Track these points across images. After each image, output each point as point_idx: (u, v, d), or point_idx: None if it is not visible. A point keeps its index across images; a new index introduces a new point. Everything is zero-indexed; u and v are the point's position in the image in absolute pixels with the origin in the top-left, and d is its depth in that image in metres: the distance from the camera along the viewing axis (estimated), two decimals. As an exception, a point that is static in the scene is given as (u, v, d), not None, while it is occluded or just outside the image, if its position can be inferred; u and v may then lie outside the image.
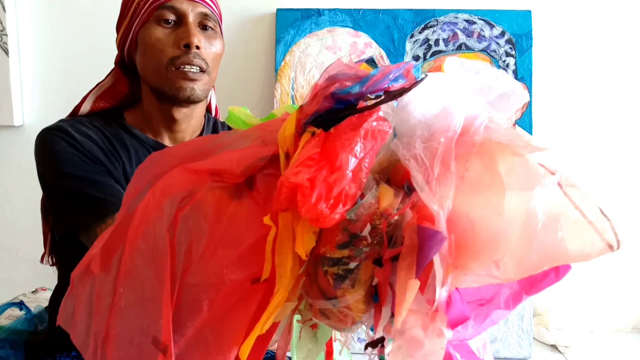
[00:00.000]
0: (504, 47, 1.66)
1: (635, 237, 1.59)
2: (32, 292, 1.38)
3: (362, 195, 0.43)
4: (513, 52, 1.66)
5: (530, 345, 1.60)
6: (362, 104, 0.44)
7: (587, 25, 1.70)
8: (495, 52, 1.66)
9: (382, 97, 0.43)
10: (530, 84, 1.66)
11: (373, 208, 0.43)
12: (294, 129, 0.45)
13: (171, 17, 0.93)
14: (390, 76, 0.44)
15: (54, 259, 1.04)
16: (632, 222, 1.65)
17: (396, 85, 0.44)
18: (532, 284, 0.47)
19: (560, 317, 1.66)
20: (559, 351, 1.64)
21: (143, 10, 0.93)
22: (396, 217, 0.43)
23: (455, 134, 0.43)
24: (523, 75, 1.66)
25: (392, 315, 0.44)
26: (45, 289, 1.39)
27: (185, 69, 0.92)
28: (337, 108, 0.44)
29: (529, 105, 1.66)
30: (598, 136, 1.71)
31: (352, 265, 0.44)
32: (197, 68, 0.93)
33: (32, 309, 1.15)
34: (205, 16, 0.95)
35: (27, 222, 1.76)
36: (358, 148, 0.41)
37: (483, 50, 1.67)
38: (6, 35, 1.69)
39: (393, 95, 0.43)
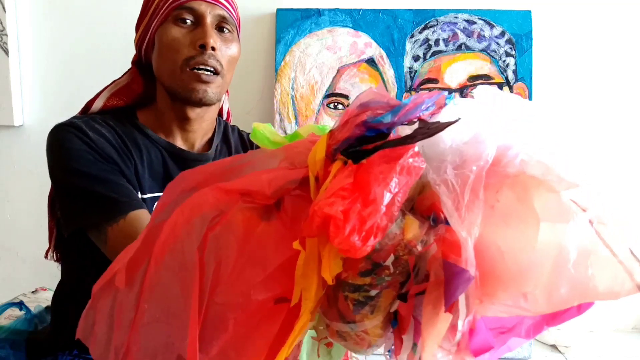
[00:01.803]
0: (504, 47, 1.66)
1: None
2: (32, 292, 1.38)
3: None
4: (513, 52, 1.66)
5: (530, 345, 1.61)
6: (393, 134, 0.44)
7: (587, 25, 1.70)
8: (495, 52, 1.66)
9: (418, 132, 0.43)
10: (530, 84, 1.66)
11: (398, 239, 0.43)
12: (324, 153, 0.45)
13: (189, 17, 0.93)
14: (423, 107, 0.44)
15: (58, 255, 1.05)
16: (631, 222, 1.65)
17: (426, 114, 0.44)
18: (555, 316, 0.48)
19: (560, 317, 1.66)
20: (559, 351, 1.64)
21: (162, 10, 0.93)
22: (419, 249, 0.44)
23: (487, 163, 0.43)
24: (523, 75, 1.66)
25: (414, 344, 0.44)
26: (45, 289, 1.39)
27: (200, 70, 0.92)
28: (368, 136, 0.44)
29: (529, 105, 1.66)
30: (598, 136, 1.71)
31: (373, 293, 0.44)
32: (212, 69, 0.93)
33: (32, 309, 1.15)
34: (223, 19, 0.95)
35: (27, 222, 1.76)
36: (393, 184, 0.41)
37: (483, 50, 1.67)
38: (6, 35, 1.69)
39: (429, 132, 0.43)
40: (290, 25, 1.68)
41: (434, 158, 0.45)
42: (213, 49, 0.92)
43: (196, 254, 0.47)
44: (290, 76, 1.68)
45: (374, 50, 1.68)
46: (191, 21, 0.93)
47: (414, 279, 0.44)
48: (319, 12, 1.68)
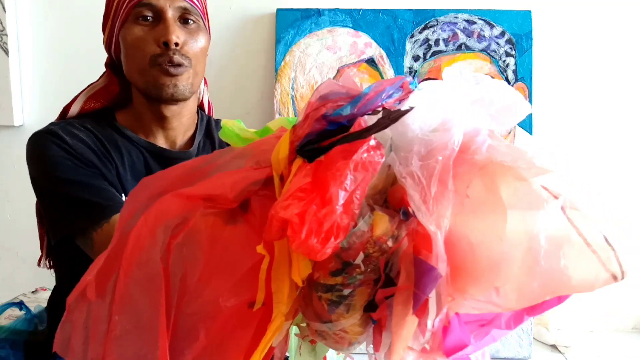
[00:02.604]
0: (504, 47, 1.66)
1: (635, 237, 1.59)
2: (32, 292, 1.38)
3: (356, 222, 0.42)
4: (513, 52, 1.66)
5: (530, 345, 1.60)
6: (358, 122, 0.42)
7: (587, 25, 1.70)
8: (495, 52, 1.66)
9: (374, 124, 0.42)
10: (530, 84, 1.66)
11: (366, 236, 0.42)
12: (287, 151, 0.44)
13: (149, 14, 0.91)
14: (384, 95, 0.43)
15: (51, 262, 1.04)
16: (631, 222, 1.65)
17: (390, 102, 0.43)
18: (534, 305, 0.46)
19: (560, 317, 1.66)
20: (559, 351, 1.63)
21: (122, 10, 0.92)
22: (390, 245, 0.42)
23: (454, 152, 0.42)
24: (523, 75, 1.66)
25: None
26: (45, 289, 1.39)
27: (167, 66, 0.90)
28: (329, 130, 0.42)
29: (529, 105, 1.66)
30: (598, 136, 1.71)
31: (346, 292, 0.43)
32: (178, 65, 0.90)
33: (32, 309, 1.15)
34: (185, 10, 0.92)
35: (27, 222, 1.75)
36: (348, 181, 0.40)
37: (483, 50, 1.67)
38: (6, 35, 1.69)
39: (384, 123, 0.42)
40: (290, 25, 1.68)
41: (403, 148, 0.44)
42: (177, 44, 0.90)
43: (160, 264, 0.47)
44: (290, 76, 1.68)
45: (374, 50, 1.68)
46: (152, 17, 0.91)
47: (386, 276, 0.42)
48: (319, 12, 1.68)
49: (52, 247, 0.98)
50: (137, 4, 0.90)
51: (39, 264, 1.05)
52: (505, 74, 1.66)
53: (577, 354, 1.61)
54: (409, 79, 0.45)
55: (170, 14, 0.91)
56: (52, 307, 1.04)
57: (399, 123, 0.44)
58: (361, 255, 0.42)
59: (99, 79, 1.03)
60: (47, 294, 1.29)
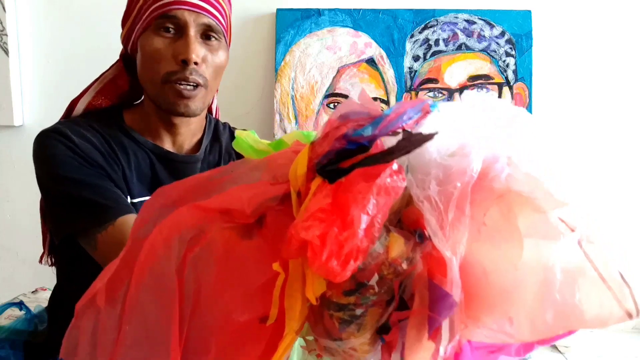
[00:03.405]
0: (504, 47, 1.66)
1: (635, 237, 1.59)
2: (32, 292, 1.38)
3: None
4: (513, 52, 1.66)
5: (530, 345, 1.60)
6: (377, 143, 0.42)
7: (587, 25, 1.70)
8: (495, 52, 1.66)
9: (396, 147, 0.42)
10: (530, 84, 1.66)
11: (382, 258, 0.42)
12: (305, 167, 0.44)
13: (171, 26, 0.89)
14: (405, 117, 0.43)
15: (52, 260, 1.04)
16: (631, 222, 1.65)
17: (410, 123, 0.43)
18: None
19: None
20: (559, 351, 1.63)
21: (145, 16, 0.90)
22: (404, 268, 0.42)
23: (472, 179, 0.41)
24: (523, 75, 1.66)
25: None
26: (45, 289, 1.39)
27: (181, 86, 0.88)
28: (349, 149, 0.42)
29: (528, 105, 1.66)
30: (598, 136, 1.71)
31: (359, 312, 0.43)
32: (193, 84, 0.89)
33: (32, 309, 1.15)
34: (208, 27, 0.90)
35: (27, 222, 1.75)
36: (371, 205, 0.40)
37: (483, 50, 1.67)
38: (6, 35, 1.69)
39: (407, 148, 0.42)
40: (290, 25, 1.68)
41: (419, 170, 0.43)
42: (196, 63, 0.88)
43: (175, 277, 0.46)
44: (290, 76, 1.68)
45: (374, 50, 1.68)
46: (174, 30, 0.89)
47: (400, 299, 0.42)
48: (319, 12, 1.68)
49: (55, 246, 0.98)
50: (161, 15, 0.88)
51: (40, 261, 1.05)
52: (505, 74, 1.66)
53: (577, 354, 1.61)
54: (430, 102, 0.45)
55: (193, 30, 0.88)
56: (52, 306, 1.04)
57: (417, 145, 0.45)
58: (375, 277, 0.42)
59: (109, 69, 1.01)
60: (47, 294, 1.29)
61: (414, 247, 0.43)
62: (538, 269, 0.40)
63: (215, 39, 0.92)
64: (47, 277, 1.23)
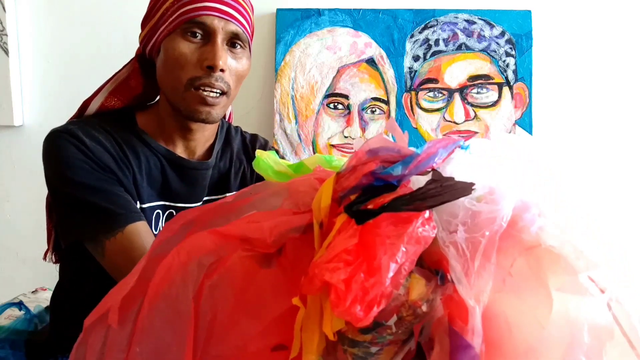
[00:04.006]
0: (504, 47, 1.66)
1: (635, 237, 1.59)
2: (32, 292, 1.38)
3: None
4: (513, 52, 1.66)
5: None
6: (406, 183, 0.41)
7: (587, 25, 1.70)
8: (495, 52, 1.66)
9: (429, 193, 0.41)
10: (530, 84, 1.66)
11: (402, 299, 0.41)
12: (329, 200, 0.43)
13: (199, 31, 0.88)
14: (436, 158, 0.42)
15: (56, 257, 1.04)
16: (631, 222, 1.65)
17: (439, 162, 0.42)
18: None
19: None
20: None
21: (171, 19, 0.88)
22: (424, 310, 0.41)
23: (501, 228, 0.40)
24: (523, 75, 1.66)
25: None
26: (45, 289, 1.39)
27: (205, 92, 0.88)
28: (376, 186, 0.42)
29: (528, 105, 1.66)
30: (598, 136, 1.71)
31: (374, 350, 0.42)
32: (218, 92, 0.89)
33: (32, 309, 1.15)
34: (235, 35, 0.90)
35: (27, 222, 1.76)
36: (400, 253, 0.39)
37: (483, 50, 1.67)
38: (6, 35, 1.69)
39: (441, 199, 0.41)
40: (290, 25, 1.68)
41: (446, 211, 0.42)
42: (222, 70, 0.88)
43: (192, 303, 0.46)
44: (290, 76, 1.68)
45: (374, 50, 1.68)
46: (201, 35, 0.88)
47: (418, 345, 0.41)
48: (319, 12, 1.68)
49: (60, 244, 0.97)
50: (190, 20, 0.87)
51: (44, 258, 1.04)
52: (505, 74, 1.66)
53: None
54: (462, 142, 0.44)
55: (221, 37, 0.88)
56: (55, 305, 1.04)
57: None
58: (394, 317, 0.41)
59: (122, 69, 0.99)
60: (47, 294, 1.29)
61: (434, 288, 0.42)
62: (565, 327, 0.39)
63: (241, 47, 0.92)
64: (47, 277, 1.23)
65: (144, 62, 0.97)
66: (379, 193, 0.41)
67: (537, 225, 0.42)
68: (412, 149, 0.43)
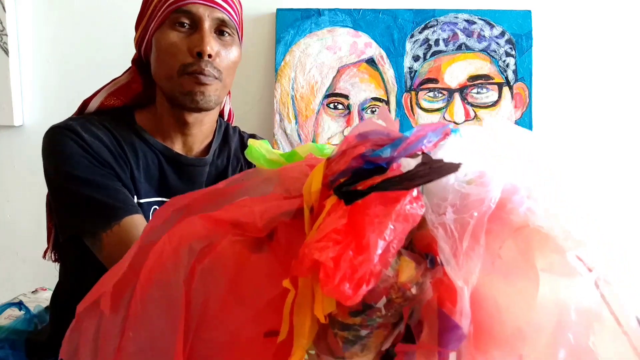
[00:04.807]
0: (504, 47, 1.66)
1: (635, 237, 1.59)
2: (32, 292, 1.38)
3: None
4: (513, 52, 1.66)
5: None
6: (394, 166, 0.42)
7: (587, 25, 1.70)
8: (495, 52, 1.66)
9: (417, 174, 0.41)
10: (530, 84, 1.66)
11: (391, 281, 0.41)
12: (320, 184, 0.43)
13: (186, 21, 0.90)
14: (425, 140, 0.42)
15: (56, 255, 1.04)
16: (632, 222, 1.65)
17: (429, 146, 0.42)
18: None
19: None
20: None
21: (159, 13, 0.91)
22: (413, 292, 0.42)
23: (490, 209, 0.41)
24: (523, 75, 1.66)
25: None
26: (45, 289, 1.39)
27: (197, 75, 0.90)
28: (365, 169, 0.42)
29: (528, 105, 1.66)
30: (598, 136, 1.71)
31: (364, 332, 0.43)
32: (210, 77, 0.90)
33: (31, 309, 1.15)
34: (222, 22, 0.92)
35: (27, 222, 1.76)
36: (388, 231, 0.39)
37: (483, 50, 1.67)
38: (6, 35, 1.69)
39: (429, 177, 0.41)
40: (290, 25, 1.68)
41: (435, 194, 0.42)
42: (210, 56, 0.90)
43: (182, 287, 0.46)
44: (290, 76, 1.68)
45: (374, 50, 1.68)
46: (188, 24, 0.91)
47: (407, 327, 0.42)
48: (319, 12, 1.68)
49: (59, 242, 0.98)
50: (176, 10, 0.90)
51: (44, 256, 1.05)
52: (505, 74, 1.66)
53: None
54: (452, 126, 0.44)
55: (208, 24, 0.90)
56: (55, 303, 1.04)
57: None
58: (383, 299, 0.41)
59: (122, 75, 1.01)
60: (47, 294, 1.29)
61: (424, 272, 0.42)
62: (553, 308, 0.40)
63: (229, 34, 0.94)
64: (47, 277, 1.23)
65: (141, 66, 0.99)
66: (368, 176, 0.42)
67: (526, 207, 0.42)
68: (400, 132, 0.43)
